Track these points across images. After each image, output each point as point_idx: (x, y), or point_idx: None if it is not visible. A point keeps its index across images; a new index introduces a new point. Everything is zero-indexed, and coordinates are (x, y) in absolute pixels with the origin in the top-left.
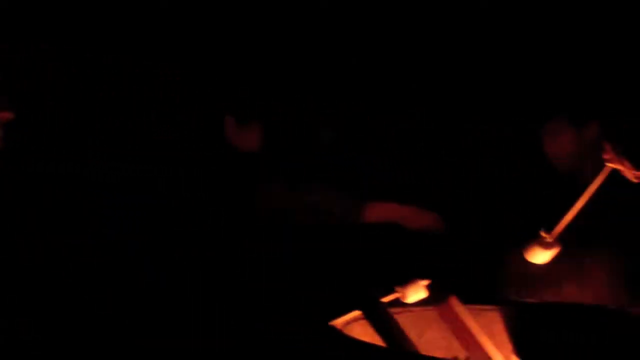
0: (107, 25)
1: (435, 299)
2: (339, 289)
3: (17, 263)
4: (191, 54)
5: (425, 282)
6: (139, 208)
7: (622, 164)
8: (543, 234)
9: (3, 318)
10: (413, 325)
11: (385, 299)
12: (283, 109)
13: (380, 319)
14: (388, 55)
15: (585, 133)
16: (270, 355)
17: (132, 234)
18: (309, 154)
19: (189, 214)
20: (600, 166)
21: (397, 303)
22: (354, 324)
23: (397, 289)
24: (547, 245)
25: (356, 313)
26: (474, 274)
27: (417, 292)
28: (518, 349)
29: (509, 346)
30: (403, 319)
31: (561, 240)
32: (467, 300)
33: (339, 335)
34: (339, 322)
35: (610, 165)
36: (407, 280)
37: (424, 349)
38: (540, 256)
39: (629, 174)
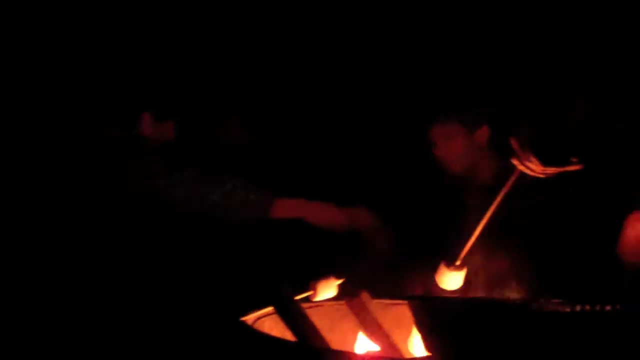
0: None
1: (346, 293)
2: (249, 284)
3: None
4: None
5: (336, 280)
6: None
7: (529, 161)
8: (445, 264)
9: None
10: (324, 320)
11: (297, 296)
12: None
13: (291, 313)
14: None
15: (477, 136)
16: (182, 351)
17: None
18: (224, 148)
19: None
20: (492, 168)
21: (309, 298)
22: (264, 319)
23: (309, 285)
24: (455, 269)
25: (267, 309)
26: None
27: (328, 289)
28: (426, 342)
29: (417, 339)
30: (314, 314)
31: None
32: (377, 294)
33: (250, 331)
34: (249, 317)
35: (517, 165)
36: (319, 277)
37: (334, 343)
38: (451, 281)
39: (537, 170)
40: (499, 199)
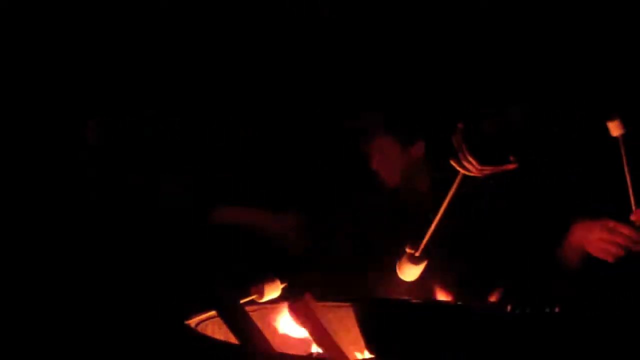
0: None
1: (290, 296)
2: (192, 287)
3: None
4: None
5: (280, 283)
6: None
7: (467, 161)
8: (409, 249)
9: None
10: (268, 322)
11: (241, 298)
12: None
13: (234, 316)
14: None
15: (412, 150)
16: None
17: None
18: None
19: None
20: (428, 178)
21: (253, 301)
22: (208, 322)
23: (253, 288)
24: (415, 261)
25: (210, 312)
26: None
27: (272, 292)
28: (370, 344)
29: (361, 341)
30: (257, 316)
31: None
32: (320, 296)
33: (193, 334)
34: (192, 321)
35: (455, 166)
36: (262, 279)
37: (278, 345)
38: (410, 272)
39: (474, 170)
40: (448, 198)
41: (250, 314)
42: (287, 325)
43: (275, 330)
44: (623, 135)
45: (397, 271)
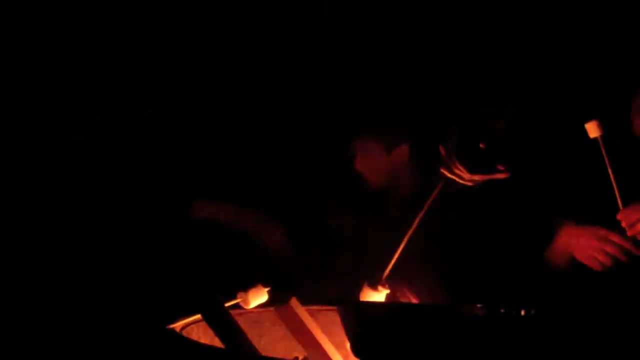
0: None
1: (275, 300)
2: (178, 291)
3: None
4: None
5: (266, 286)
6: None
7: (458, 169)
8: (368, 284)
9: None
10: (253, 327)
11: (227, 303)
12: None
13: (220, 320)
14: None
15: (395, 154)
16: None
17: None
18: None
19: None
20: (412, 183)
21: (239, 305)
22: (193, 327)
23: (239, 294)
24: (377, 289)
25: (195, 316)
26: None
27: (258, 297)
28: (355, 348)
29: (347, 345)
30: (243, 321)
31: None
32: (306, 301)
33: (178, 338)
34: (177, 325)
35: (446, 174)
36: (249, 285)
37: (263, 349)
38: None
39: (465, 177)
40: (423, 210)
41: (236, 318)
42: (272, 329)
43: (260, 334)
44: (602, 137)
45: (360, 298)
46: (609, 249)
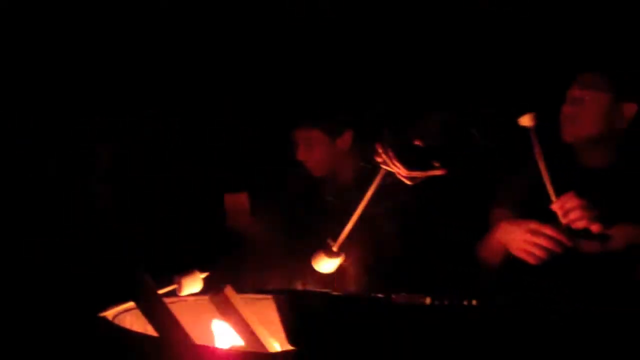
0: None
1: (210, 288)
2: (108, 278)
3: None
4: None
5: (201, 273)
6: None
7: (394, 166)
8: (330, 243)
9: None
10: (187, 315)
11: (161, 290)
12: None
13: (153, 308)
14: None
15: (339, 143)
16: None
17: None
18: None
19: None
20: (353, 170)
21: (173, 292)
22: (125, 314)
23: (174, 280)
24: (332, 255)
25: (128, 303)
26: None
27: (193, 284)
28: (290, 336)
29: (282, 333)
30: (177, 309)
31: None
32: (241, 289)
33: (110, 326)
34: (109, 313)
35: (384, 167)
36: (184, 271)
37: (197, 338)
38: (326, 265)
39: (403, 174)
40: (368, 194)
41: (170, 306)
42: (207, 318)
43: (194, 322)
44: (534, 128)
45: (313, 263)
46: (542, 241)
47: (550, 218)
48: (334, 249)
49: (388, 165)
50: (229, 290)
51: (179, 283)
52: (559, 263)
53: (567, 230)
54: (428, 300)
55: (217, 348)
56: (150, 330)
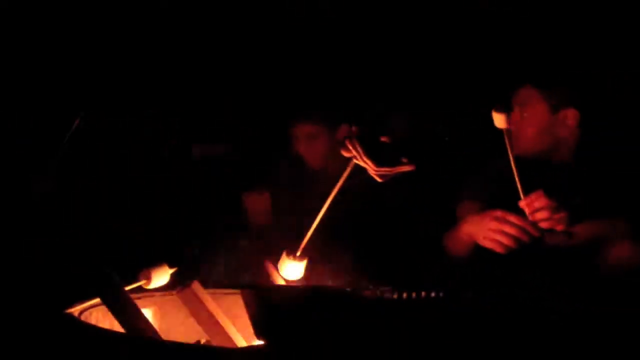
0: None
1: (177, 283)
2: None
3: None
4: None
5: (169, 267)
6: None
7: (365, 162)
8: (286, 254)
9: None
10: (154, 310)
11: (127, 285)
12: None
13: (120, 304)
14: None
15: (337, 134)
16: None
17: None
18: None
19: None
20: (341, 160)
21: (140, 288)
22: (92, 311)
23: (140, 274)
24: (296, 259)
25: (94, 299)
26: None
27: (160, 277)
28: (258, 331)
29: (250, 328)
30: (144, 304)
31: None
32: (208, 284)
33: (76, 323)
34: (75, 309)
35: (355, 161)
36: (150, 265)
37: (164, 333)
38: (291, 270)
39: (371, 171)
40: (334, 191)
41: (137, 301)
42: (174, 313)
43: (162, 318)
44: (508, 130)
45: (279, 270)
46: (508, 229)
47: (517, 212)
48: (297, 253)
49: (358, 160)
50: (196, 286)
51: (148, 275)
52: (524, 255)
53: (533, 224)
54: (395, 294)
55: (183, 343)
56: (117, 327)
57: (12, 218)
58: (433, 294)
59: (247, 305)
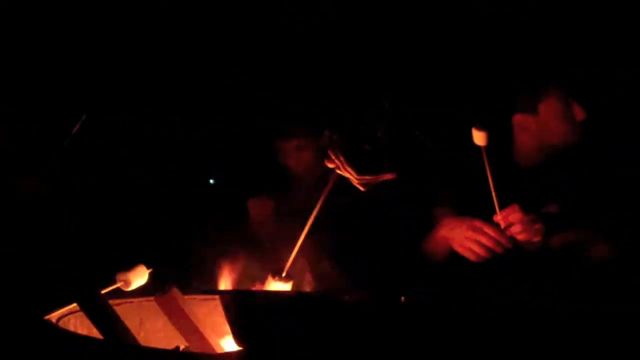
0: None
1: (156, 289)
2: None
3: None
4: None
5: (146, 268)
6: None
7: (346, 171)
8: (271, 275)
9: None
10: (133, 316)
11: (104, 289)
12: None
13: (98, 310)
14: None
15: (320, 140)
16: None
17: None
18: None
19: None
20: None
21: (117, 293)
22: (70, 317)
23: (119, 276)
24: (281, 280)
25: (72, 305)
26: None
27: (138, 279)
28: (237, 336)
29: (229, 333)
30: (122, 310)
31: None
32: (187, 290)
33: (54, 330)
34: (53, 315)
35: (338, 171)
36: (129, 266)
37: (143, 339)
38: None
39: (354, 180)
40: (319, 204)
41: (115, 308)
42: (153, 319)
43: (140, 324)
44: (486, 147)
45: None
46: (483, 239)
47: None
48: (283, 274)
49: (340, 170)
50: (174, 292)
51: (126, 277)
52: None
53: (509, 237)
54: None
55: (162, 350)
56: (95, 333)
57: None
58: (412, 299)
59: (226, 311)
